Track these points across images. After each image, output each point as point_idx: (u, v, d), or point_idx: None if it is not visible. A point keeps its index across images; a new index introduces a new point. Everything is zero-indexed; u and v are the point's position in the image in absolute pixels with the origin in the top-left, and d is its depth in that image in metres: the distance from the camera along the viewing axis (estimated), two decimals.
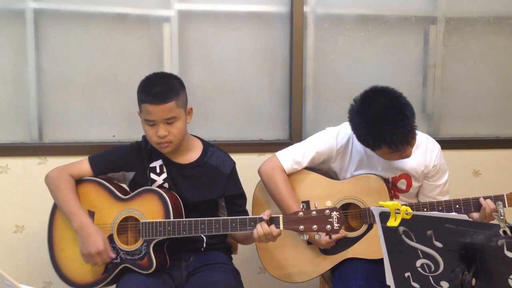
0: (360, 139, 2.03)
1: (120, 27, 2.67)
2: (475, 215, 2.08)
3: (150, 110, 1.97)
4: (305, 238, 1.85)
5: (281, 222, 1.86)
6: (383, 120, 1.94)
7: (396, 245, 1.46)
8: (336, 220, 1.80)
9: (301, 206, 1.84)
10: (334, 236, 2.08)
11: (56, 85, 2.66)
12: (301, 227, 1.82)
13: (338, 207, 1.86)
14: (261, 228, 1.86)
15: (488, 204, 2.03)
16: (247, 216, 1.94)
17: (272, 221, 1.87)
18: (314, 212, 1.81)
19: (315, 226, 1.81)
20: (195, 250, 2.11)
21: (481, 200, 2.05)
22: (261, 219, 1.88)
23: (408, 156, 2.06)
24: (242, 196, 2.19)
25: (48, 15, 2.62)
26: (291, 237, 2.19)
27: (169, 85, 2.02)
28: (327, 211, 1.81)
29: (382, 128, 1.93)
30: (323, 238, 2.07)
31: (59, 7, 2.62)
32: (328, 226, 1.80)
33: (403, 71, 2.88)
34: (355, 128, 2.03)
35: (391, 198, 2.17)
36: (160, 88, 1.99)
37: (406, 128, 1.95)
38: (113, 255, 1.96)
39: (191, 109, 2.09)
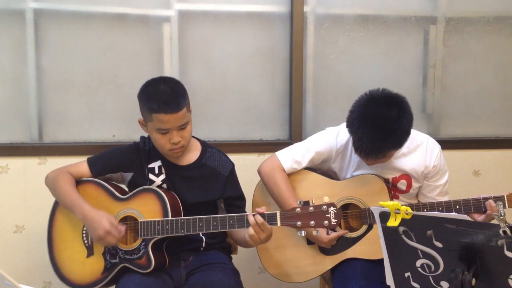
0: (349, 126, 2.02)
1: (120, 27, 2.67)
2: (476, 215, 2.08)
3: (165, 119, 1.95)
4: (303, 235, 1.84)
5: (278, 218, 1.85)
6: (374, 127, 1.94)
7: (396, 245, 1.45)
8: (333, 216, 1.80)
9: (299, 202, 1.84)
10: (333, 234, 2.08)
11: (56, 85, 2.66)
12: (299, 223, 1.82)
13: (335, 203, 1.86)
14: (253, 219, 1.86)
15: (493, 207, 2.02)
16: (245, 213, 1.94)
17: (269, 217, 1.87)
18: (311, 208, 1.81)
19: (312, 222, 1.80)
20: (194, 250, 2.11)
21: (487, 204, 2.04)
22: (256, 214, 1.88)
23: (371, 164, 2.08)
24: (241, 198, 2.19)
25: (48, 15, 2.62)
26: (291, 237, 2.19)
27: (178, 91, 2.01)
28: (324, 206, 1.81)
29: (367, 131, 1.93)
30: (324, 235, 2.07)
31: (59, 7, 2.62)
32: (326, 222, 1.80)
33: (403, 71, 2.88)
34: (350, 115, 2.02)
35: (391, 199, 2.17)
36: (171, 96, 1.97)
37: (382, 149, 1.96)
38: (123, 228, 1.95)
39: (191, 109, 2.10)
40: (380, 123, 1.94)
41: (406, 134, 2.00)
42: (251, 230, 1.87)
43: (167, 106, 1.94)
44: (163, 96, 1.97)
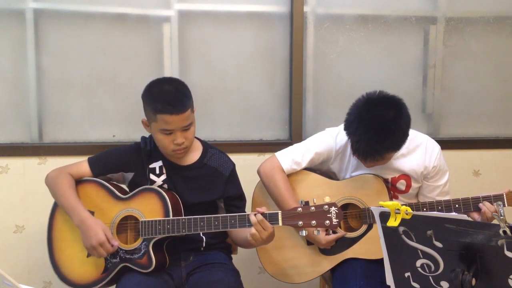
0: (346, 128, 2.02)
1: (120, 27, 2.67)
2: (475, 215, 2.08)
3: (170, 120, 1.95)
4: (303, 234, 1.84)
5: (279, 218, 1.86)
6: (372, 129, 1.93)
7: (396, 245, 1.46)
8: (334, 216, 1.80)
9: (300, 202, 1.84)
10: (332, 235, 2.08)
11: (56, 85, 2.66)
12: (300, 222, 1.82)
13: (336, 203, 1.86)
14: (255, 218, 1.86)
15: (488, 208, 2.03)
16: (246, 213, 1.94)
17: (271, 216, 1.87)
18: (312, 208, 1.81)
19: (313, 222, 1.81)
20: (194, 250, 2.11)
21: (481, 205, 2.04)
22: (257, 213, 1.88)
23: (370, 166, 2.07)
24: (241, 198, 2.19)
25: (48, 15, 2.62)
26: (291, 237, 2.19)
27: (183, 92, 2.01)
28: (326, 206, 1.81)
29: (364, 133, 1.93)
30: (323, 236, 2.07)
31: (59, 7, 2.62)
32: (327, 222, 1.80)
33: (403, 71, 2.88)
34: (347, 118, 2.02)
35: (391, 199, 2.17)
36: (176, 97, 1.97)
37: (380, 150, 1.96)
38: (116, 243, 1.95)
39: (194, 110, 2.10)
40: (377, 125, 1.94)
41: (404, 135, 2.00)
42: (253, 229, 1.87)
43: (172, 107, 1.94)
44: (168, 96, 1.97)
